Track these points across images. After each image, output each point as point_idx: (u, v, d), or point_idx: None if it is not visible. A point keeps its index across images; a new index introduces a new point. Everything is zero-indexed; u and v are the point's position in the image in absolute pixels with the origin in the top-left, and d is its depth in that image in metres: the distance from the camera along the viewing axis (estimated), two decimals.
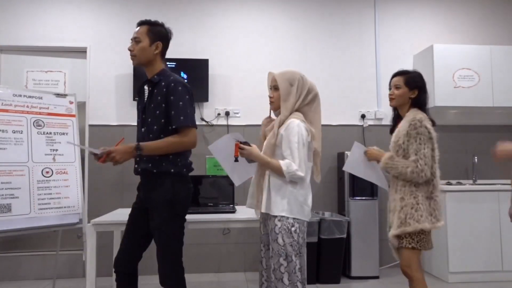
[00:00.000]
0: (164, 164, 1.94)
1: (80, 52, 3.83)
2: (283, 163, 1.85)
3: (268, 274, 1.96)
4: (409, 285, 2.10)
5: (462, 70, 3.79)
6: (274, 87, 1.99)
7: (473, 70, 3.80)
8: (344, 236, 3.43)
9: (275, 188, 1.90)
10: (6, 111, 2.68)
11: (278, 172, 1.87)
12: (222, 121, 3.91)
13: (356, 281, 3.51)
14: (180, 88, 1.92)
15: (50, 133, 2.84)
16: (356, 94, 4.06)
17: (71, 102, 3.02)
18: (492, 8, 4.28)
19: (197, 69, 3.80)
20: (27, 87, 3.69)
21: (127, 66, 3.78)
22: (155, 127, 1.94)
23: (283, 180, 1.88)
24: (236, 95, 3.95)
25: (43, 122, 2.81)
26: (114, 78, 3.82)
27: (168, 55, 3.80)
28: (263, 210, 1.92)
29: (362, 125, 4.04)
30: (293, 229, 1.86)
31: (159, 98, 1.93)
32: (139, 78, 3.71)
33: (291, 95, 1.94)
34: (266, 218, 1.95)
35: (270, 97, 2.01)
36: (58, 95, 2.97)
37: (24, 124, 2.72)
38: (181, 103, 1.90)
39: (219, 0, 4.00)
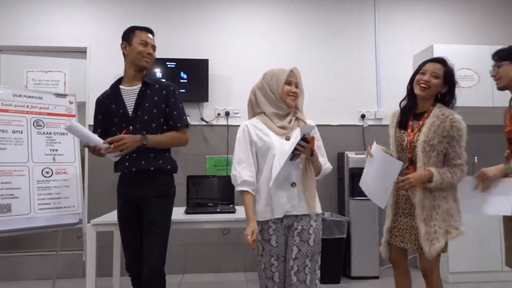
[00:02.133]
0: (161, 162, 2.08)
1: (80, 52, 3.82)
2: (321, 161, 1.89)
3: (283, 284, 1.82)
4: None
5: (462, 70, 3.79)
6: (296, 85, 1.89)
7: (473, 70, 3.80)
8: (344, 236, 3.42)
9: (315, 187, 1.90)
10: (6, 111, 2.67)
11: (320, 169, 1.90)
12: (222, 121, 3.91)
13: (356, 281, 3.51)
14: (177, 92, 2.16)
15: (50, 133, 2.84)
16: (356, 94, 4.06)
17: (71, 102, 3.02)
18: (492, 8, 4.28)
19: (197, 69, 3.80)
20: (27, 87, 3.69)
21: None
22: (154, 124, 2.07)
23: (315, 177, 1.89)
24: (236, 95, 3.95)
25: (43, 122, 2.81)
26: (114, 78, 3.72)
27: (168, 55, 3.86)
28: (319, 211, 1.89)
29: (362, 125, 4.04)
30: (321, 227, 1.90)
31: (156, 98, 2.08)
32: None
33: (303, 94, 1.97)
34: (295, 220, 1.81)
35: (294, 93, 1.87)
36: (58, 95, 2.97)
37: (24, 124, 2.72)
38: (180, 105, 2.14)
39: (219, 0, 4.00)
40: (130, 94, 2.10)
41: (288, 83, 1.87)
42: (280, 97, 1.85)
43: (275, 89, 1.86)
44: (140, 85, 2.10)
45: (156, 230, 2.01)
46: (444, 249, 1.98)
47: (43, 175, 2.73)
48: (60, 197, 2.78)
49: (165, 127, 2.10)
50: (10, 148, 2.62)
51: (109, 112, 2.13)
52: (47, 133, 2.82)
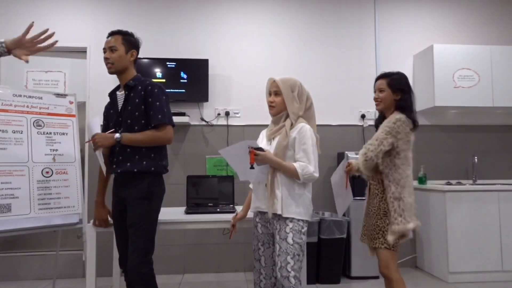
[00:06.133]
0: (145, 163, 2.07)
1: (80, 52, 3.83)
2: (298, 166, 1.92)
3: (268, 272, 2.04)
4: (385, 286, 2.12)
5: (462, 70, 3.79)
6: (275, 93, 2.05)
7: (473, 70, 3.80)
8: (344, 236, 3.42)
9: (287, 191, 1.96)
10: (6, 111, 2.67)
11: (292, 174, 1.93)
12: (222, 121, 3.91)
13: (356, 281, 3.51)
14: (156, 90, 2.10)
15: (50, 133, 2.83)
16: (356, 94, 4.06)
17: (71, 102, 3.02)
18: (492, 8, 4.28)
19: (197, 69, 3.80)
20: (27, 87, 3.69)
21: None
22: (136, 127, 2.08)
23: (294, 182, 1.95)
24: (236, 95, 3.95)
25: (43, 122, 2.81)
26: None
27: (168, 55, 3.86)
28: (278, 212, 1.93)
29: (362, 125, 4.04)
30: (302, 230, 1.95)
31: (136, 100, 2.09)
32: None
33: (294, 100, 2.03)
34: (274, 218, 1.98)
35: (271, 102, 2.06)
36: (58, 95, 2.97)
37: (24, 124, 2.72)
38: (158, 103, 2.08)
39: (219, 0, 4.00)
40: (120, 99, 2.18)
41: (269, 93, 2.09)
42: None
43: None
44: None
45: (135, 232, 2.03)
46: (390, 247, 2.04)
47: (43, 175, 2.73)
48: (60, 197, 2.77)
49: (149, 127, 2.08)
50: (10, 148, 2.62)
51: (108, 118, 2.24)
52: (47, 133, 2.82)
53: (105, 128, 2.25)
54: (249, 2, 4.03)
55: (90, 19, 3.85)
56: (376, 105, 2.20)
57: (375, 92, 2.22)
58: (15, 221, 2.56)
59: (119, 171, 2.09)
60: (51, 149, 2.80)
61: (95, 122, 2.12)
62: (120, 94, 2.20)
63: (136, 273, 2.00)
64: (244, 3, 4.03)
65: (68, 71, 3.82)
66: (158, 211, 2.16)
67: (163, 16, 3.93)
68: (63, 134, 2.89)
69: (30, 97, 2.80)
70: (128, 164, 2.07)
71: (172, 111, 3.65)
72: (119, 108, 2.16)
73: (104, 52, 2.14)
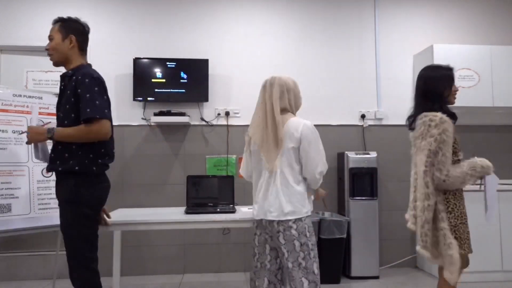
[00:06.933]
0: (71, 162, 1.90)
1: None
2: None
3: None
4: None
5: (462, 70, 3.79)
6: None
7: (473, 70, 3.80)
8: (344, 236, 3.42)
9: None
10: (6, 111, 2.67)
11: None
12: (222, 121, 3.91)
13: (356, 281, 3.51)
14: (87, 80, 1.88)
15: None
16: (356, 94, 4.06)
17: None
18: (492, 8, 4.28)
19: (197, 69, 3.80)
20: (27, 87, 3.69)
21: (127, 66, 3.78)
22: (66, 121, 1.91)
23: None
24: (236, 95, 3.95)
25: (43, 122, 2.81)
26: (114, 78, 3.81)
27: (168, 55, 3.85)
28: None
29: (362, 125, 4.04)
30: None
31: (68, 92, 1.92)
32: (139, 78, 3.71)
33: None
34: None
35: None
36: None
37: (24, 124, 2.72)
38: (88, 95, 1.86)
39: (219, 0, 4.00)
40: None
41: None
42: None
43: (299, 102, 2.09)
44: None
45: (64, 239, 1.94)
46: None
47: (43, 175, 2.73)
48: None
49: (81, 122, 1.88)
50: (10, 148, 2.62)
51: None
52: None
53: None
54: (249, 2, 4.03)
55: (90, 19, 3.82)
56: (455, 98, 2.13)
57: (450, 88, 2.09)
58: (15, 221, 2.56)
59: (48, 169, 1.97)
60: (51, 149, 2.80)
61: (33, 116, 2.00)
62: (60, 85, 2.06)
63: (76, 282, 1.93)
64: (244, 3, 4.03)
65: None
66: (90, 213, 1.94)
67: (163, 16, 3.93)
68: None
69: (30, 97, 2.80)
70: (58, 162, 1.92)
71: (172, 111, 3.74)
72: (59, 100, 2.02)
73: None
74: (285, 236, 1.86)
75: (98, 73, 1.98)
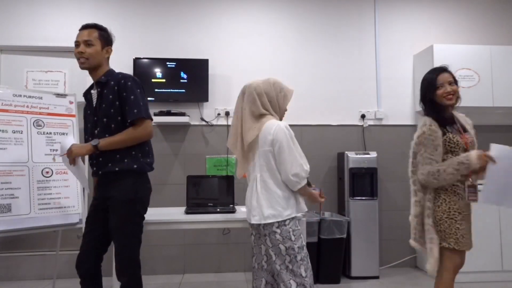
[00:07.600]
0: (126, 161, 1.97)
1: None
2: None
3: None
4: None
5: (462, 70, 3.79)
6: None
7: (473, 70, 3.80)
8: (344, 236, 3.43)
9: None
10: (6, 111, 2.67)
11: None
12: (222, 121, 3.91)
13: (356, 281, 3.51)
14: (129, 83, 1.97)
15: (50, 133, 2.83)
16: (356, 94, 4.06)
17: (71, 102, 3.02)
18: (492, 8, 4.28)
19: (197, 69, 3.80)
20: (27, 87, 3.68)
21: (127, 66, 3.77)
22: (113, 125, 1.98)
23: None
24: (236, 95, 3.90)
25: (43, 122, 2.81)
26: None
27: (168, 55, 3.85)
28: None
29: (362, 125, 4.04)
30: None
31: (110, 97, 1.98)
32: (139, 78, 3.68)
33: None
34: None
35: None
36: (58, 95, 2.97)
37: (24, 124, 2.72)
38: (132, 97, 1.95)
39: (219, 0, 4.00)
40: (95, 98, 2.08)
41: None
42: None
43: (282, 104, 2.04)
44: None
45: (115, 238, 1.98)
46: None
47: (43, 175, 2.73)
48: (60, 197, 2.77)
49: (127, 124, 1.97)
50: (10, 148, 2.62)
51: (86, 120, 2.14)
52: (47, 133, 2.82)
53: (85, 130, 2.14)
54: (249, 2, 4.03)
55: (90, 19, 3.83)
56: (450, 99, 2.04)
57: (442, 86, 2.04)
58: (15, 221, 2.56)
59: (100, 172, 2.02)
60: (51, 149, 2.80)
61: (69, 140, 2.04)
62: (94, 93, 2.09)
63: (127, 278, 1.97)
64: (244, 3, 4.03)
65: (68, 71, 3.82)
66: (143, 212, 2.05)
67: (163, 16, 3.93)
68: (63, 134, 2.89)
69: (30, 97, 2.80)
70: (110, 164, 1.98)
71: (172, 111, 3.74)
72: (95, 106, 2.05)
73: (77, 46, 2.01)
74: (271, 240, 1.87)
75: (133, 75, 2.10)
